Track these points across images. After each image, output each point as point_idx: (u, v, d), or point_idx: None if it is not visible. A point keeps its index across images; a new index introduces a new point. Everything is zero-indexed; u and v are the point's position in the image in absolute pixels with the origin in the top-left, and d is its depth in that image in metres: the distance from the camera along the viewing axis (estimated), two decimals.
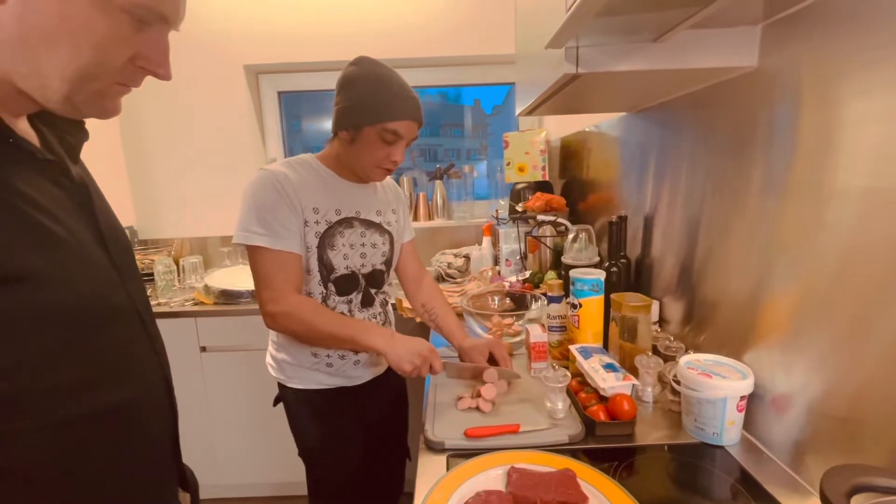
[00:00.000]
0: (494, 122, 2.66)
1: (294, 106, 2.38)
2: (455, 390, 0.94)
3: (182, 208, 2.25)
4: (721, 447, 0.73)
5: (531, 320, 1.22)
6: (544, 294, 1.33)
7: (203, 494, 2.02)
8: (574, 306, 0.95)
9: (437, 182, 2.29)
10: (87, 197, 0.51)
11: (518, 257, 1.71)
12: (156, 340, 0.56)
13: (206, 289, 1.76)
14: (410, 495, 1.42)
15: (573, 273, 0.95)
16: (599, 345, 0.95)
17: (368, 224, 1.03)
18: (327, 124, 2.55)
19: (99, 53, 0.40)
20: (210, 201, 2.24)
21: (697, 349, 0.93)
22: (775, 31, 0.70)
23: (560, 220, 1.64)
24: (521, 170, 1.93)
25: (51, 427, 0.42)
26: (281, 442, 1.74)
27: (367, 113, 0.90)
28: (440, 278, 1.97)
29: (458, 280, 1.89)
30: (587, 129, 1.69)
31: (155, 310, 1.71)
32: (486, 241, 1.89)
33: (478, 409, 0.85)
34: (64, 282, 0.42)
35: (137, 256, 2.06)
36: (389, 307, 1.14)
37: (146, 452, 0.53)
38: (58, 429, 0.43)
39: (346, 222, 0.98)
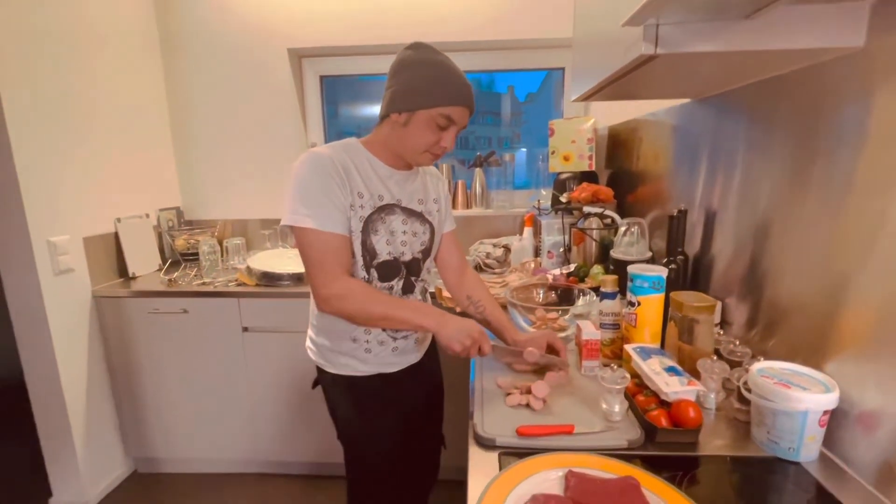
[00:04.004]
0: (528, 111, 2.59)
1: (330, 92, 2.37)
2: (503, 381, 0.91)
3: (225, 191, 2.29)
4: (797, 463, 0.68)
5: (578, 316, 1.17)
6: (593, 289, 1.28)
7: (242, 469, 2.09)
8: (631, 304, 0.90)
9: (477, 170, 2.25)
10: None
11: (561, 249, 1.66)
12: None
13: (249, 270, 1.79)
14: (445, 483, 1.43)
15: (632, 269, 0.90)
16: (657, 345, 0.90)
17: (410, 213, 1.02)
18: (363, 111, 2.56)
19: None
20: (251, 184, 2.27)
21: (765, 355, 0.87)
22: (889, 8, 0.62)
23: (608, 212, 1.57)
24: (566, 159, 1.87)
25: None
26: (318, 423, 1.78)
27: (422, 96, 0.88)
28: (478, 268, 1.94)
29: (498, 271, 1.85)
30: (640, 118, 1.60)
31: (199, 289, 1.77)
32: (528, 231, 1.84)
33: (528, 406, 0.82)
34: None
35: (184, 236, 2.12)
36: (428, 295, 1.13)
37: None
38: None
39: (388, 209, 0.97)
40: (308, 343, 1.08)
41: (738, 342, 0.87)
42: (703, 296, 0.91)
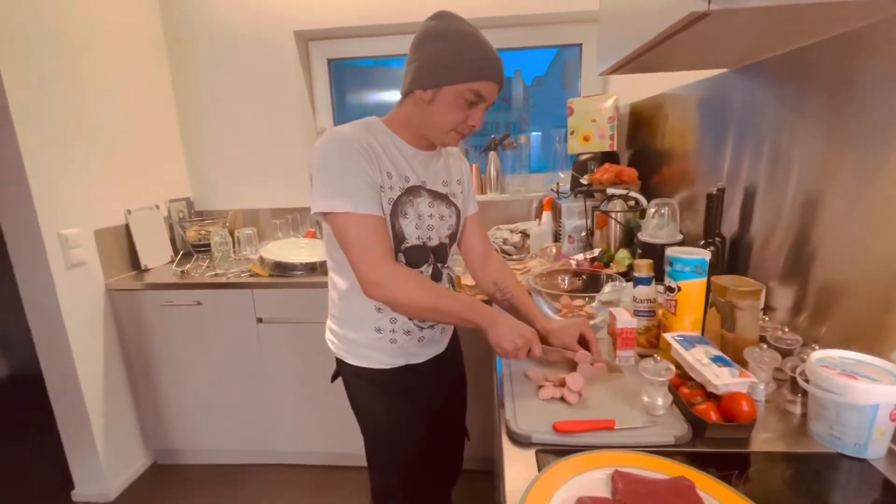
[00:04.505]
0: (536, 94, 2.53)
1: (338, 82, 2.31)
2: (534, 373, 0.86)
3: (235, 180, 2.25)
4: (863, 460, 0.62)
5: (606, 303, 1.12)
6: (620, 274, 1.23)
7: (260, 460, 2.08)
8: (671, 289, 0.84)
9: (491, 154, 2.18)
10: None
11: (583, 234, 1.60)
12: None
13: (261, 260, 1.75)
14: (466, 473, 1.39)
15: (671, 252, 0.83)
16: (698, 333, 0.84)
17: (435, 195, 0.96)
18: (372, 97, 2.49)
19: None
20: (261, 173, 2.23)
21: (818, 343, 0.80)
22: None
23: (632, 193, 1.50)
24: (585, 139, 1.79)
25: None
26: (336, 413, 1.76)
27: (449, 71, 0.81)
28: None
29: (516, 257, 1.80)
30: (666, 93, 1.52)
31: (212, 280, 1.74)
32: (547, 215, 1.78)
33: (562, 399, 0.77)
34: None
35: (195, 227, 2.09)
36: (453, 284, 1.08)
37: None
38: None
39: (415, 191, 0.92)
40: (328, 335, 1.04)
41: (786, 329, 0.81)
42: (747, 280, 0.85)
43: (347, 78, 2.37)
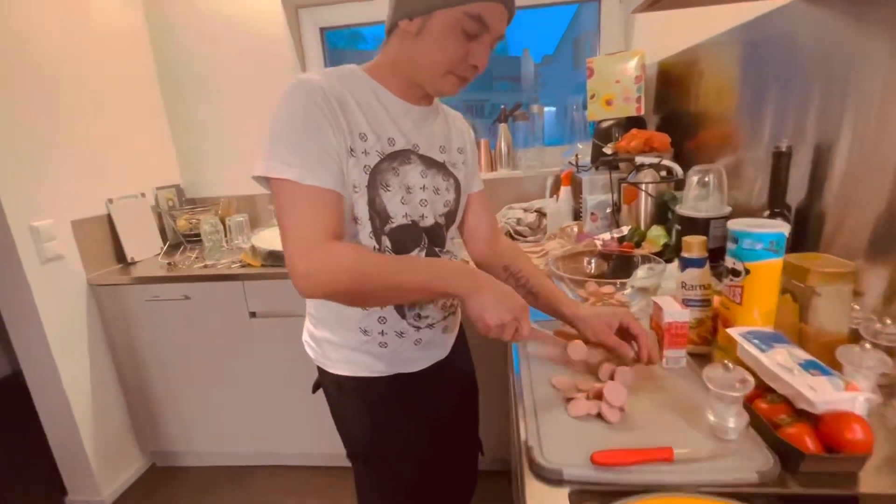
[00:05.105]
0: (545, 73, 2.39)
1: (333, 51, 2.13)
2: (561, 382, 0.70)
3: (227, 164, 2.10)
4: None
5: (642, 290, 0.94)
6: (656, 254, 1.04)
7: (251, 462, 1.95)
8: (735, 273, 0.66)
9: (501, 126, 1.98)
10: None
11: (608, 210, 1.41)
12: None
13: (253, 250, 1.60)
14: (483, 474, 1.22)
15: (735, 225, 0.65)
16: (771, 328, 0.66)
17: (430, 162, 0.77)
18: None
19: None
20: (255, 155, 2.06)
21: None
22: None
23: (665, 161, 1.30)
24: (608, 104, 1.59)
25: None
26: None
27: None
28: (508, 236, 1.71)
29: (531, 239, 1.62)
30: (702, 43, 1.31)
31: (200, 272, 1.59)
32: (565, 191, 1.59)
33: (599, 416, 0.61)
34: None
35: (185, 216, 1.95)
36: None
37: None
38: None
39: (403, 156, 0.73)
40: (305, 337, 0.87)
41: (889, 321, 0.63)
42: (833, 258, 0.67)
43: (343, 48, 2.19)
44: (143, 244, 1.83)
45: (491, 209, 0.98)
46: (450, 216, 0.82)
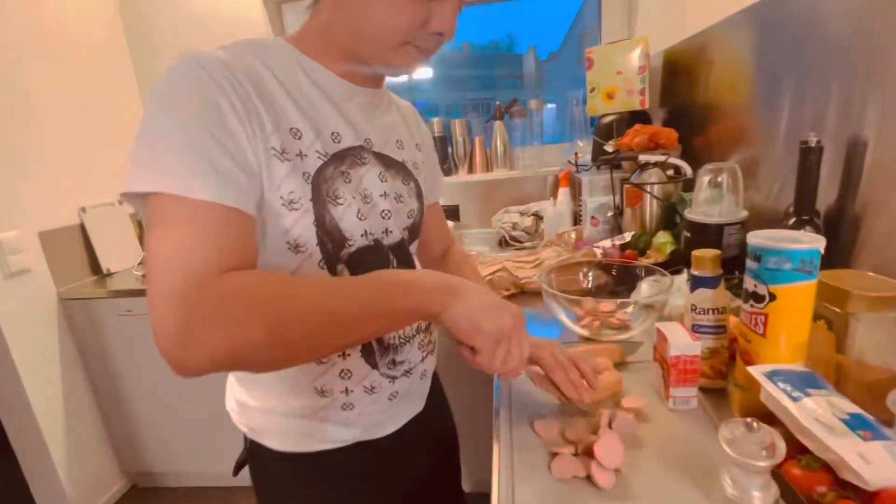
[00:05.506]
0: (551, 69, 2.26)
1: None
2: (544, 427, 0.58)
3: None
4: None
5: (647, 307, 0.82)
6: (659, 264, 0.92)
7: (236, 483, 1.85)
8: (757, 298, 0.53)
9: (497, 123, 1.87)
10: None
11: (609, 214, 1.28)
12: None
13: None
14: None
15: (759, 240, 0.53)
16: (802, 364, 0.54)
17: (388, 162, 0.60)
18: None
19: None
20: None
21: None
22: None
23: (672, 160, 1.18)
24: (609, 97, 1.46)
25: None
26: None
27: None
28: (503, 243, 1.60)
29: (528, 245, 1.50)
30: (709, 29, 1.18)
31: None
32: (564, 193, 1.47)
33: (588, 479, 0.49)
34: None
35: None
36: None
37: None
38: None
39: (354, 156, 0.55)
40: (230, 404, 0.66)
41: None
42: (879, 278, 0.54)
43: None
44: (120, 255, 1.74)
45: (448, 226, 0.85)
46: (413, 230, 0.64)
